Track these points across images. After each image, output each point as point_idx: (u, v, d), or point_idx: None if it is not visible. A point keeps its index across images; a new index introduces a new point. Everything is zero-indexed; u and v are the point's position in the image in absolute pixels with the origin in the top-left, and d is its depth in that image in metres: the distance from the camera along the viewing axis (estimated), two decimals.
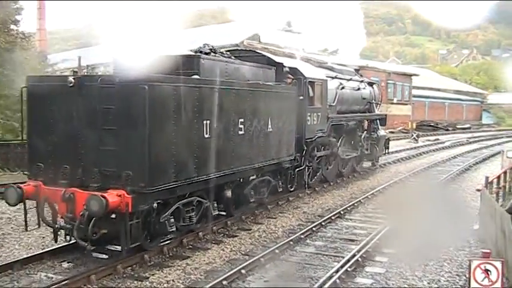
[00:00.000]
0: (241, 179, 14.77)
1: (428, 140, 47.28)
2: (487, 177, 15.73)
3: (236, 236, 13.89)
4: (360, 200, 18.41)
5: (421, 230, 14.85)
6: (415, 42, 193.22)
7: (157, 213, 11.42)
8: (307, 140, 18.70)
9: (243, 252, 12.55)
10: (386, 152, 27.94)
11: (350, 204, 17.69)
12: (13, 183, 11.90)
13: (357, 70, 26.43)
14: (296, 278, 11.02)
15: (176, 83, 11.48)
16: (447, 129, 67.00)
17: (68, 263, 11.54)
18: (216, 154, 12.65)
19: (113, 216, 10.64)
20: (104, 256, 11.71)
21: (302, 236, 13.74)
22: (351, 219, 16.15)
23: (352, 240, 13.67)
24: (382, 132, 26.82)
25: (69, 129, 11.31)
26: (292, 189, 18.61)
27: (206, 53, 14.11)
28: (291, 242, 13.11)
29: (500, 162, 20.75)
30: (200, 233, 13.51)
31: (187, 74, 12.54)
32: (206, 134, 12.29)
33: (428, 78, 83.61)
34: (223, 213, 14.96)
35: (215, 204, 13.68)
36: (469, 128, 72.71)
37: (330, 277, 10.47)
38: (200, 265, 11.58)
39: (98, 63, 63.89)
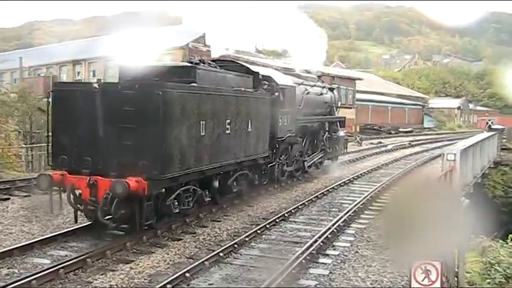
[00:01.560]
0: (226, 172, 16.84)
1: (372, 143, 48.00)
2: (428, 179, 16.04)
3: (180, 239, 13.81)
4: (304, 203, 18.52)
5: (364, 232, 15.10)
6: (359, 47, 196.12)
7: (163, 198, 13.52)
8: (279, 139, 20.64)
9: (187, 256, 12.49)
10: (345, 151, 30.26)
11: (294, 206, 17.76)
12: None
13: (319, 77, 28.13)
14: (240, 281, 11.04)
15: (182, 90, 13.73)
16: (390, 133, 68.18)
17: (8, 268, 11.31)
18: (208, 149, 14.94)
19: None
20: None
21: (247, 239, 13.74)
22: (295, 222, 16.23)
23: (297, 243, 13.74)
24: (341, 133, 28.75)
25: (92, 126, 13.13)
26: (265, 183, 20.54)
27: (197, 63, 16.25)
28: (236, 245, 13.11)
29: (441, 165, 21.14)
30: (144, 237, 13.43)
31: (186, 81, 14.64)
32: (202, 132, 14.46)
33: (371, 83, 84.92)
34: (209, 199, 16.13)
35: (206, 192, 15.77)
36: (411, 131, 74.22)
37: (274, 279, 10.52)
38: (144, 269, 11.47)
39: (40, 64, 62.98)
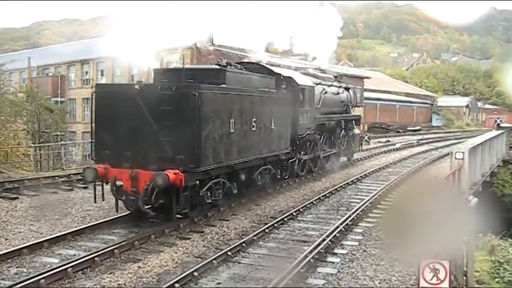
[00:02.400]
0: (252, 166, 18.08)
1: (380, 142, 47.83)
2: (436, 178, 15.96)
3: (189, 238, 13.85)
4: (312, 202, 18.52)
5: (372, 231, 15.08)
6: (366, 45, 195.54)
7: (197, 189, 14.84)
8: (299, 136, 22.06)
9: (195, 255, 12.51)
10: (360, 148, 32.08)
11: (302, 205, 17.76)
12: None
13: (335, 77, 29.51)
14: (249, 280, 11.05)
15: (214, 91, 15.21)
16: (398, 131, 68.01)
17: (16, 268, 11.35)
18: (237, 145, 16.38)
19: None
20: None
21: (255, 238, 13.76)
22: (303, 221, 16.23)
23: (305, 242, 13.74)
24: (356, 131, 30.34)
25: (133, 124, 14.53)
26: (286, 177, 21.73)
27: (224, 66, 17.44)
28: (244, 244, 13.13)
29: (449, 163, 21.09)
30: (152, 236, 13.49)
31: (216, 83, 15.93)
32: (231, 129, 15.89)
33: (379, 81, 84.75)
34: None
35: (234, 185, 17.19)
36: (419, 130, 73.97)
37: (283, 278, 10.51)
38: (152, 268, 11.50)
39: (48, 64, 63.10)
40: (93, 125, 15.45)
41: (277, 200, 18.99)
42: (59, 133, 44.94)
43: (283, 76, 21.22)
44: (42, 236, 13.71)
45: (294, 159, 22.05)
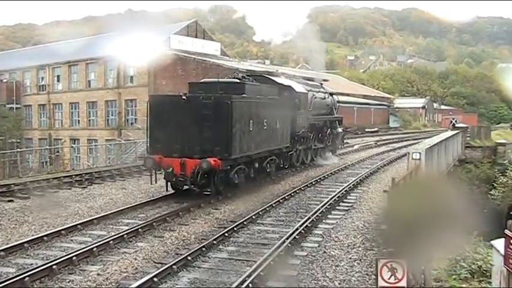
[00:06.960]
0: (262, 157, 22.74)
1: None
2: (393, 179, 16.13)
3: (148, 243, 13.76)
4: (271, 205, 18.56)
5: (332, 232, 15.17)
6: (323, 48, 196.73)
7: (228, 172, 19.74)
8: (296, 133, 26.98)
9: (155, 260, 12.43)
10: (343, 145, 37.93)
11: (262, 208, 17.79)
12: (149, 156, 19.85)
13: (321, 84, 34.59)
14: (209, 284, 11.02)
15: (240, 100, 19.96)
16: (356, 133, 68.49)
17: None
18: (254, 140, 21.02)
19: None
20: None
21: (214, 242, 13.73)
22: (262, 224, 16.26)
23: (264, 244, 13.77)
24: (339, 129, 35.31)
25: (180, 124, 19.39)
26: (286, 167, 26.74)
27: (239, 79, 22.77)
28: (204, 248, 13.10)
29: (407, 164, 21.36)
30: (111, 242, 13.36)
31: (239, 93, 20.50)
32: (251, 128, 20.61)
33: (337, 84, 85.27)
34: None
35: (251, 171, 21.90)
36: (377, 131, 74.59)
37: (243, 282, 10.52)
38: (112, 275, 11.38)
39: (2, 69, 62.07)
40: (148, 126, 20.17)
41: (236, 204, 18.99)
42: (14, 140, 44.22)
43: (284, 85, 26.34)
44: None
45: (292, 152, 26.89)
